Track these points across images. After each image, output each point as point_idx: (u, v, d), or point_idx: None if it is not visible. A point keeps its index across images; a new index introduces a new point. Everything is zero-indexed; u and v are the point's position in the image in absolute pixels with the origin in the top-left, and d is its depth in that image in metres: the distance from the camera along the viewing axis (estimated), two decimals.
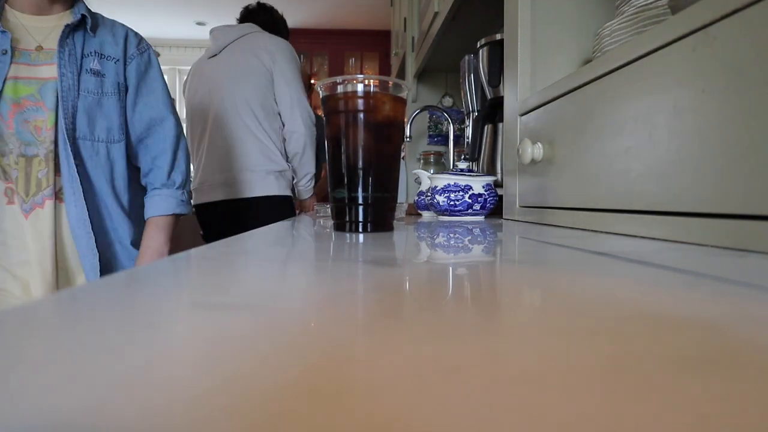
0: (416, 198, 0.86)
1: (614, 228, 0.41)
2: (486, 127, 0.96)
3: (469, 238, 0.39)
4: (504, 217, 0.70)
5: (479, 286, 0.19)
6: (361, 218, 0.42)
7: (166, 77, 0.93)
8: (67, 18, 0.78)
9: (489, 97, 0.96)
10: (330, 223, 0.57)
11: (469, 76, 1.08)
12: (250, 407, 0.07)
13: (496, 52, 0.92)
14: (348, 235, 0.40)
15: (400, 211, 0.73)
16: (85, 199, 0.75)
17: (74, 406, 0.07)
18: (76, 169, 0.74)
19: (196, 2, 3.13)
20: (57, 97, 0.74)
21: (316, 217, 0.79)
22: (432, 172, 0.96)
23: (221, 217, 1.25)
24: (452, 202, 0.67)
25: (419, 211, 0.87)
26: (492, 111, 0.93)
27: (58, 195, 0.75)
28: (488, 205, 0.68)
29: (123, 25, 0.85)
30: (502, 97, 0.72)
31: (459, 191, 0.67)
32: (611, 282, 0.18)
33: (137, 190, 0.87)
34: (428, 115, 1.73)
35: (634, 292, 0.16)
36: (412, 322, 0.12)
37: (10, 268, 0.74)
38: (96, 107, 0.78)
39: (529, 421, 0.07)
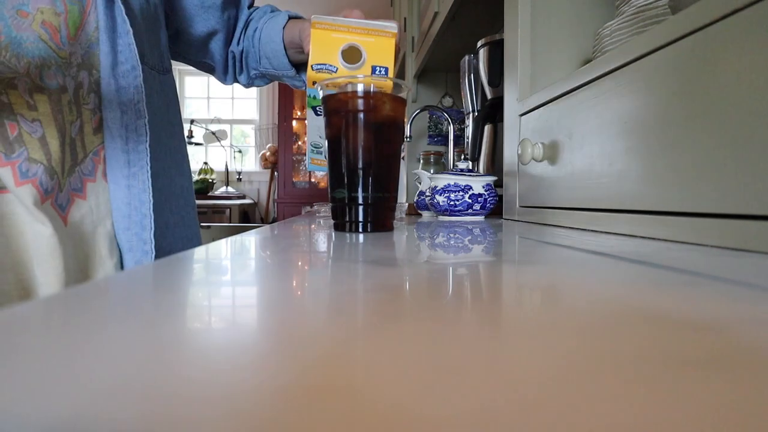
0: (416, 198, 0.86)
1: (614, 228, 0.41)
2: (486, 127, 0.96)
3: (469, 238, 0.39)
4: (504, 217, 0.70)
5: (479, 286, 0.19)
6: (361, 218, 0.42)
7: None
8: None
9: (489, 97, 0.96)
10: (330, 222, 0.57)
11: (469, 76, 1.08)
12: (249, 407, 0.07)
13: (496, 52, 0.92)
14: (348, 235, 0.40)
15: (400, 211, 0.73)
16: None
17: (73, 406, 0.07)
18: None
19: None
20: None
21: (317, 217, 0.79)
22: (432, 172, 0.96)
23: None
24: (452, 202, 0.67)
25: (419, 211, 0.87)
26: (492, 111, 0.93)
27: None
28: (488, 205, 0.68)
29: None
30: (502, 97, 0.72)
31: (459, 191, 0.67)
32: (611, 282, 0.18)
33: None
34: (428, 115, 1.72)
35: (634, 292, 0.16)
36: (411, 322, 0.12)
37: None
38: None
39: (529, 421, 0.07)
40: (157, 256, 0.50)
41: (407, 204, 0.96)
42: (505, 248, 0.32)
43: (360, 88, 0.41)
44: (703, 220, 0.30)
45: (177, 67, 3.53)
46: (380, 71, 0.50)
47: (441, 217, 0.71)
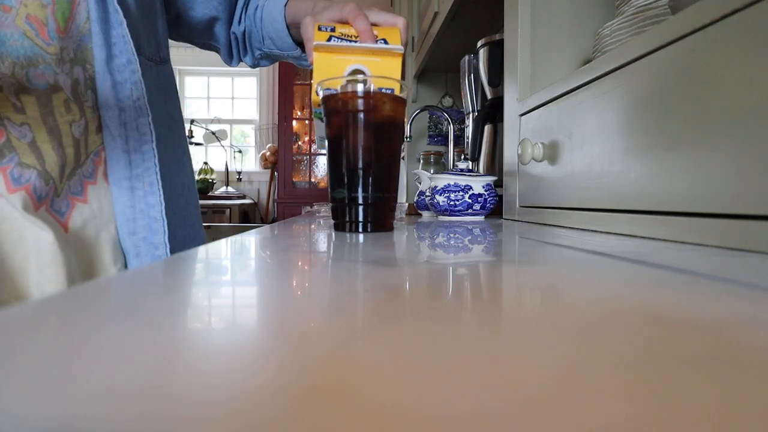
0: (416, 198, 0.86)
1: (614, 228, 0.41)
2: (486, 127, 0.96)
3: (469, 238, 0.39)
4: (504, 217, 0.70)
5: (479, 286, 0.19)
6: (361, 218, 0.42)
7: None
8: None
9: (489, 97, 0.96)
10: (330, 222, 0.57)
11: (469, 76, 1.08)
12: (249, 408, 0.07)
13: (496, 52, 0.92)
14: (348, 235, 0.40)
15: (400, 211, 0.73)
16: None
17: (71, 407, 0.07)
18: None
19: None
20: None
21: (317, 217, 0.79)
22: (432, 172, 0.96)
23: None
24: (452, 202, 0.67)
25: (419, 211, 0.87)
26: (492, 111, 0.93)
27: None
28: (488, 205, 0.68)
29: None
30: (502, 97, 0.72)
31: (459, 191, 0.67)
32: (611, 282, 0.18)
33: None
34: (428, 115, 1.72)
35: (634, 292, 0.16)
36: (411, 322, 0.12)
37: None
38: None
39: (529, 421, 0.07)
40: None
41: (407, 204, 0.96)
42: (505, 248, 0.32)
43: (360, 88, 0.41)
44: (703, 220, 0.30)
45: (177, 67, 3.53)
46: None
47: (441, 217, 0.71)
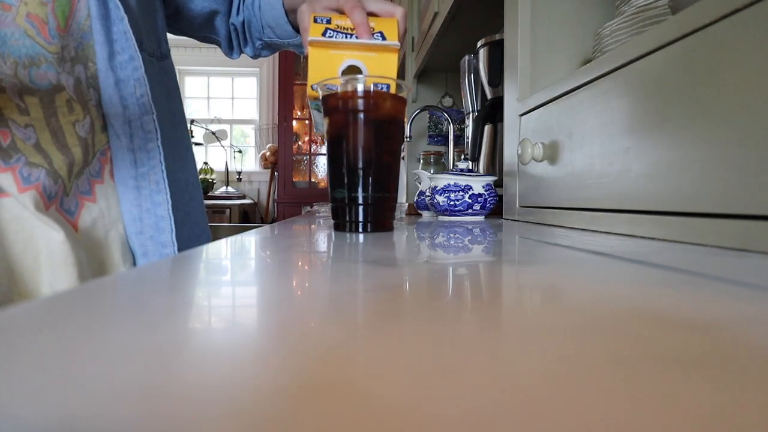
0: (416, 198, 0.86)
1: (614, 228, 0.41)
2: (486, 127, 0.96)
3: (469, 238, 0.39)
4: (504, 217, 0.70)
5: (479, 286, 0.19)
6: (361, 218, 0.42)
7: None
8: None
9: (489, 97, 0.96)
10: (330, 222, 0.57)
11: (469, 76, 1.08)
12: (249, 408, 0.07)
13: (496, 52, 0.92)
14: (348, 235, 0.40)
15: (400, 211, 0.73)
16: None
17: (71, 407, 0.07)
18: None
19: None
20: None
21: (317, 217, 0.79)
22: (432, 172, 0.96)
23: None
24: (452, 202, 0.67)
25: (419, 211, 0.87)
26: (492, 111, 0.93)
27: None
28: (488, 205, 0.68)
29: None
30: (502, 97, 0.72)
31: (459, 191, 0.67)
32: (611, 282, 0.18)
33: None
34: (428, 115, 1.72)
35: (634, 292, 0.16)
36: (412, 322, 0.12)
37: None
38: None
39: (529, 421, 0.07)
40: None
41: (407, 204, 0.96)
42: (505, 248, 0.32)
43: (360, 87, 0.41)
44: (703, 220, 0.30)
45: (177, 66, 3.51)
46: (382, 89, 0.47)
47: (441, 217, 0.71)
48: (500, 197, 0.71)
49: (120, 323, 0.12)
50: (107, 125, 0.46)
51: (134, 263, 0.48)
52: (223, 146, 3.60)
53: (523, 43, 0.66)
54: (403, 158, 1.71)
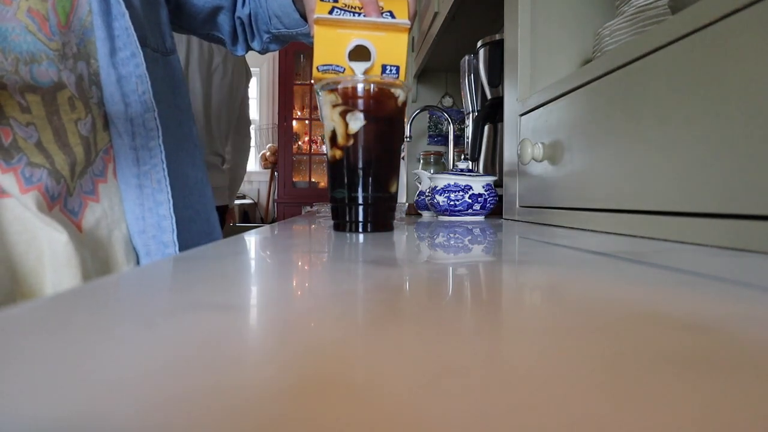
0: (416, 198, 0.86)
1: (614, 228, 0.41)
2: (486, 127, 0.96)
3: (469, 238, 0.39)
4: (504, 217, 0.70)
5: (479, 286, 0.19)
6: (361, 218, 0.42)
7: None
8: None
9: (489, 97, 0.96)
10: (330, 223, 0.57)
11: (469, 76, 1.08)
12: (249, 408, 0.07)
13: (496, 52, 0.92)
14: (348, 235, 0.40)
15: (400, 211, 0.73)
16: None
17: (71, 406, 0.07)
18: None
19: None
20: None
21: (317, 217, 0.79)
22: (432, 172, 0.96)
23: None
24: (452, 202, 0.67)
25: (419, 211, 0.87)
26: (492, 111, 0.93)
27: None
28: (488, 205, 0.68)
29: None
30: (502, 97, 0.72)
31: (459, 191, 0.67)
32: (611, 282, 0.18)
33: None
34: (428, 115, 1.73)
35: (634, 292, 0.16)
36: (412, 322, 0.12)
37: None
38: None
39: (529, 421, 0.07)
40: None
41: (407, 204, 0.96)
42: (505, 248, 0.32)
43: (360, 87, 0.41)
44: (703, 220, 0.30)
45: None
46: (391, 70, 0.45)
47: (441, 217, 0.71)
48: (500, 197, 0.71)
49: (122, 323, 0.12)
50: (109, 123, 0.45)
51: (137, 262, 0.47)
52: None
53: (523, 43, 0.66)
54: (403, 158, 1.71)
